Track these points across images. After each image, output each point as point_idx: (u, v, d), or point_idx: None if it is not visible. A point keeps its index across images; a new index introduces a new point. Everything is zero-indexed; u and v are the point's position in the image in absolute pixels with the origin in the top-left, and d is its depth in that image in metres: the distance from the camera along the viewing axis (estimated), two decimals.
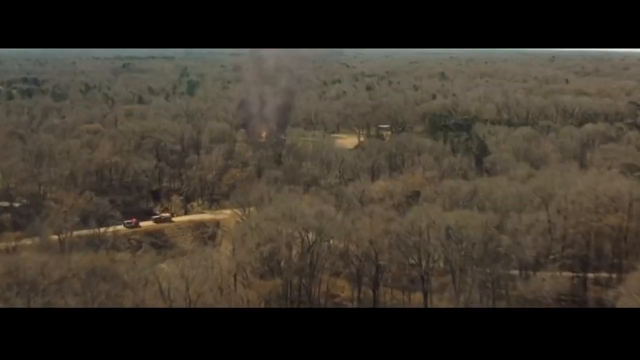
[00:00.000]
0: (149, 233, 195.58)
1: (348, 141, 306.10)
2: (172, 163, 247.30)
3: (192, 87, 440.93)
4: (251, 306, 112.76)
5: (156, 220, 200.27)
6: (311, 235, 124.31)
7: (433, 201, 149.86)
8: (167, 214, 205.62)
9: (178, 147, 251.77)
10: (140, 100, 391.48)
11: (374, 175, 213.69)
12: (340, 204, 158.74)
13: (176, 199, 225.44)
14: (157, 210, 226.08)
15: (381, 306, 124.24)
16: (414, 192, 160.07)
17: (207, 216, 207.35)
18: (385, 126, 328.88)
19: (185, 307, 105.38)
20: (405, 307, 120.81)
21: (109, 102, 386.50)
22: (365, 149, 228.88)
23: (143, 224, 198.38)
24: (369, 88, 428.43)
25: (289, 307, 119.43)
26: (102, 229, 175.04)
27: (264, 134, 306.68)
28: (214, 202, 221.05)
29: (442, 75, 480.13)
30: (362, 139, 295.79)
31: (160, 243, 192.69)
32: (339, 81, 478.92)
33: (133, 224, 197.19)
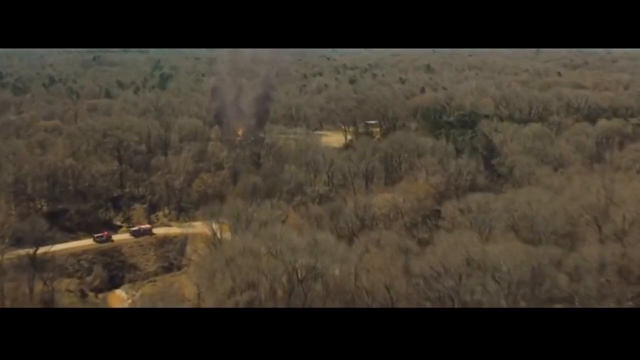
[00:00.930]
0: (103, 252, 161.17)
1: (333, 139, 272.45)
2: (136, 165, 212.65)
3: (164, 81, 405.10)
4: None
5: (135, 234, 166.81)
6: (302, 274, 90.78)
7: (459, 225, 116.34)
8: (148, 226, 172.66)
9: (143, 147, 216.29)
10: (108, 95, 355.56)
11: (367, 179, 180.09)
12: (336, 225, 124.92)
13: (139, 208, 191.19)
14: (117, 220, 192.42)
15: None
16: (433, 211, 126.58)
17: (173, 230, 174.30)
18: (372, 122, 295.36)
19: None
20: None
21: (73, 97, 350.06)
22: (357, 150, 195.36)
23: (118, 237, 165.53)
24: (352, 81, 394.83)
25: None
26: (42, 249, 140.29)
27: (240, 132, 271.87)
28: (182, 212, 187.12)
29: (428, 68, 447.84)
30: (349, 136, 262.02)
31: (116, 264, 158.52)
32: (320, 74, 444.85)
33: (104, 238, 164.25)
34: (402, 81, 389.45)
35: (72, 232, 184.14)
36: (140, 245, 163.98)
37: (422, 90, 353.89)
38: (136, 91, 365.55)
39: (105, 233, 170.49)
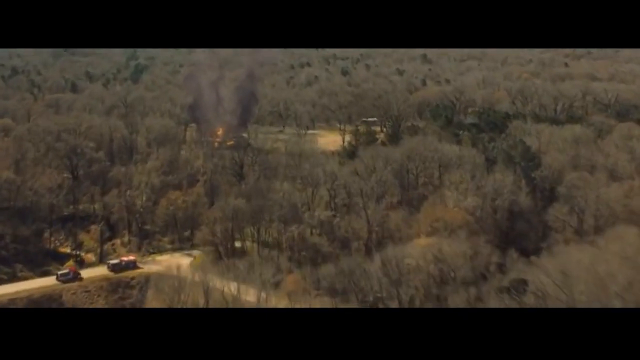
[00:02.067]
0: (35, 300, 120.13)
1: (328, 140, 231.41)
2: (94, 177, 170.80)
3: (138, 72, 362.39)
4: None
5: (115, 269, 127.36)
6: None
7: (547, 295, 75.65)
8: (131, 258, 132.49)
9: (101, 155, 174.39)
10: (74, 88, 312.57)
11: (378, 198, 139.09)
12: (357, 294, 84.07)
13: (95, 231, 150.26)
14: (67, 247, 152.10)
15: None
16: (518, 280, 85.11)
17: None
18: (371, 119, 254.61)
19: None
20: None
21: (35, 91, 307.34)
22: (363, 160, 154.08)
23: (96, 272, 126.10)
24: (345, 73, 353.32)
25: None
26: None
27: (220, 132, 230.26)
28: (145, 240, 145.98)
29: (425, 58, 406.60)
30: (347, 137, 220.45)
31: None
32: (308, 64, 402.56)
33: (71, 276, 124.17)
34: (400, 72, 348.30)
35: (7, 265, 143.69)
36: (87, 291, 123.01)
37: (424, 83, 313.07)
38: (106, 84, 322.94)
39: (73, 269, 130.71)
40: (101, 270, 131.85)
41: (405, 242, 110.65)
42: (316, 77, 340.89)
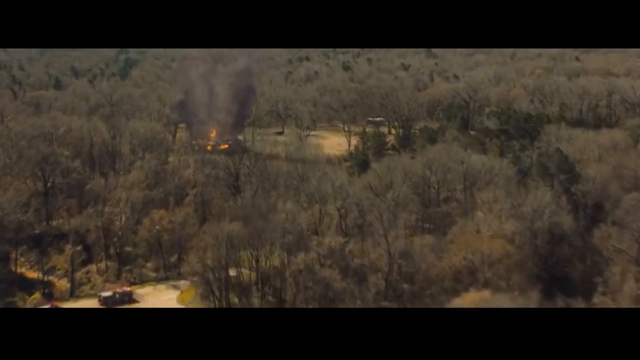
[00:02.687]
0: None
1: (332, 142, 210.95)
2: (69, 189, 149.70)
3: (127, 67, 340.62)
4: None
5: (107, 302, 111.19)
6: None
7: None
8: (126, 289, 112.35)
9: (78, 164, 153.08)
10: (57, 85, 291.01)
11: (395, 216, 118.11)
12: None
13: (68, 256, 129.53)
14: (37, 271, 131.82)
15: None
16: None
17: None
18: (377, 119, 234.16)
19: None
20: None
21: (16, 88, 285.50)
22: (379, 171, 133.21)
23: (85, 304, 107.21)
24: (346, 67, 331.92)
25: None
26: None
27: (213, 134, 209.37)
28: (125, 266, 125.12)
29: (429, 52, 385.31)
30: (353, 140, 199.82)
31: None
32: (307, 58, 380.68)
33: None
34: (405, 67, 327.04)
35: None
36: None
37: (431, 79, 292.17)
38: (92, 80, 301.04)
39: (55, 304, 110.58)
40: (90, 304, 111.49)
41: (451, 296, 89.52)
42: (316, 72, 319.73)
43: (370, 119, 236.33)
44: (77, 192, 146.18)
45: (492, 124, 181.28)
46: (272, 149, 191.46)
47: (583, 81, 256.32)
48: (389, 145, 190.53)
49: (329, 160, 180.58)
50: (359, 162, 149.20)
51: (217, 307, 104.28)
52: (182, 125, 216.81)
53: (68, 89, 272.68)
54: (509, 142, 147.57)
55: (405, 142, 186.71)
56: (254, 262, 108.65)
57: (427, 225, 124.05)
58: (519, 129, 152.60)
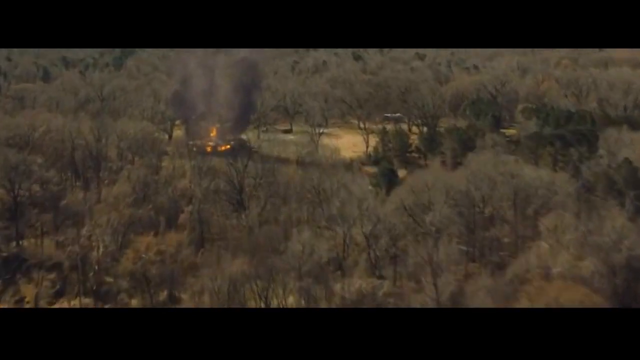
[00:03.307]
0: None
1: (347, 141, 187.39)
2: (44, 203, 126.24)
3: (122, 56, 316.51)
4: None
5: None
6: None
7: None
8: None
9: (52, 174, 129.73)
10: (46, 76, 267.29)
11: (437, 246, 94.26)
12: None
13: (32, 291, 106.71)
14: (3, 302, 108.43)
15: None
16: None
17: None
18: (396, 115, 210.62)
19: None
20: None
21: (1, 79, 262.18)
22: (412, 186, 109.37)
23: None
24: (357, 57, 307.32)
25: None
26: None
27: (213, 133, 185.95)
28: (105, 303, 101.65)
29: None
30: (371, 140, 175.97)
31: None
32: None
33: None
34: (421, 57, 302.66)
35: None
36: None
37: (449, 69, 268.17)
38: (83, 71, 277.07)
39: None
40: None
41: None
42: (324, 62, 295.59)
43: (387, 115, 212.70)
44: (53, 207, 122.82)
45: (531, 124, 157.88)
46: (281, 151, 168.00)
47: (614, 73, 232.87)
48: (413, 145, 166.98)
49: (347, 166, 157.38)
50: (385, 172, 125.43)
51: None
52: (182, 121, 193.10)
53: (56, 81, 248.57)
54: (565, 150, 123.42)
55: (432, 144, 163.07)
56: (262, 303, 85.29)
57: (474, 252, 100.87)
58: (575, 133, 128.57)
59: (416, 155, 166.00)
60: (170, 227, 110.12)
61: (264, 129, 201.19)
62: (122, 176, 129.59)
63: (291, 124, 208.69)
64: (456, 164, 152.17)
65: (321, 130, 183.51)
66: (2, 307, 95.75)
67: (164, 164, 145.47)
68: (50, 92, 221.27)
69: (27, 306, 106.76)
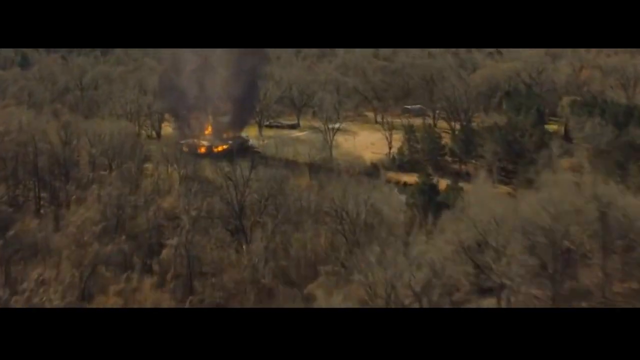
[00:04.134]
0: None
1: (364, 139, 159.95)
2: None
3: None
4: None
5: None
6: None
7: None
8: None
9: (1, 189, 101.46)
10: (24, 62, 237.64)
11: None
12: None
13: None
14: None
15: None
16: None
17: None
18: (416, 107, 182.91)
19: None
20: None
21: None
22: (469, 214, 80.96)
23: None
24: None
25: None
26: None
27: (208, 131, 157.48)
28: None
29: None
30: (394, 139, 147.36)
31: None
32: None
33: None
34: None
35: None
36: None
37: (469, 54, 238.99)
38: (66, 56, 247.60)
39: None
40: None
41: None
42: None
43: (406, 107, 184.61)
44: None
45: (587, 122, 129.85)
46: (288, 152, 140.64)
47: None
48: (446, 146, 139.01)
49: (367, 170, 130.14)
50: (424, 188, 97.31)
51: None
52: (172, 115, 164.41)
53: (32, 68, 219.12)
54: None
55: (469, 146, 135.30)
56: None
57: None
58: None
59: (449, 159, 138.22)
60: (146, 273, 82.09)
61: (267, 122, 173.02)
62: (90, 193, 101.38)
63: (298, 118, 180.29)
64: (503, 173, 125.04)
65: (336, 126, 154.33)
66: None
67: (147, 171, 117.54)
68: (25, 81, 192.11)
69: None
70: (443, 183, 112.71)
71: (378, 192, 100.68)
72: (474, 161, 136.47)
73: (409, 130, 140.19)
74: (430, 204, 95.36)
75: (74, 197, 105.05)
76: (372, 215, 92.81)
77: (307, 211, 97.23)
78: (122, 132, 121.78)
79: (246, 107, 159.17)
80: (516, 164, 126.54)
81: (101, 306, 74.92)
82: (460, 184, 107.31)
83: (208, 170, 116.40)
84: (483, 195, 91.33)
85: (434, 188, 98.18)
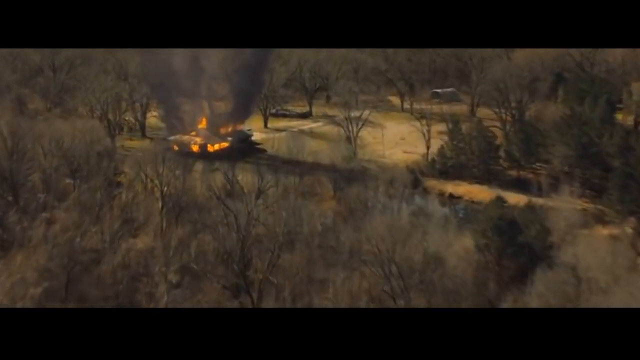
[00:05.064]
0: None
1: (392, 133, 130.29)
2: None
3: None
4: None
5: None
6: None
7: None
8: None
9: None
10: None
11: None
12: None
13: None
14: None
15: None
16: None
17: None
18: (448, 90, 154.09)
19: None
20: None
21: None
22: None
23: None
24: None
25: None
26: None
27: (203, 124, 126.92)
28: None
29: None
30: (426, 131, 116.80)
31: None
32: None
33: None
34: None
35: None
36: None
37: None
38: None
39: None
40: None
41: None
42: None
43: (436, 90, 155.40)
44: None
45: None
46: (301, 151, 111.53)
47: None
48: (503, 149, 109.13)
49: (403, 178, 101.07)
50: (500, 227, 67.93)
51: None
52: (158, 105, 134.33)
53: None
54: None
55: (529, 147, 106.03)
56: None
57: None
58: None
59: (505, 165, 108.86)
60: None
61: (274, 110, 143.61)
62: (38, 227, 72.35)
63: (310, 105, 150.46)
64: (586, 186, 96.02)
65: (357, 116, 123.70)
66: None
67: (119, 188, 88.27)
68: None
69: None
70: (509, 197, 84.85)
71: (436, 229, 72.09)
72: (534, 166, 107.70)
73: (454, 124, 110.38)
74: (512, 248, 66.38)
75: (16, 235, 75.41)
76: (431, 265, 64.39)
77: (337, 257, 68.29)
78: (87, 135, 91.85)
79: (248, 93, 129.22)
80: (592, 172, 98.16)
81: None
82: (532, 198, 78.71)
83: (200, 187, 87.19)
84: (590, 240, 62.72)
85: (514, 225, 68.79)
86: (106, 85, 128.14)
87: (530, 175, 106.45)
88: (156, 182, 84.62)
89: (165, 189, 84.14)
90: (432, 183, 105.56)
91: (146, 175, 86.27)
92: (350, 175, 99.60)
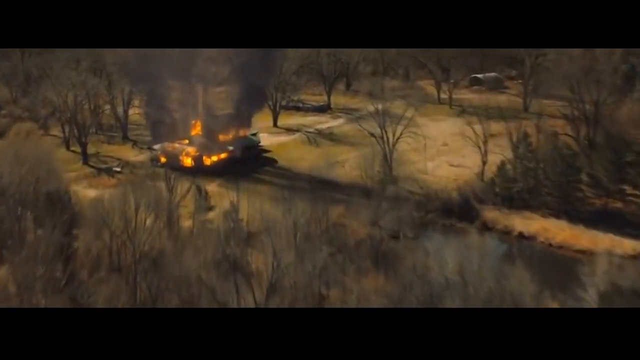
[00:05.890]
0: None
1: (432, 135, 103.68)
2: None
3: None
4: None
5: None
6: None
7: None
8: None
9: None
10: None
11: None
12: None
13: None
14: None
15: None
16: None
17: None
18: (490, 75, 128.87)
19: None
20: None
21: None
22: None
23: None
24: None
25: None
26: None
27: (197, 130, 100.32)
28: None
29: None
30: (483, 144, 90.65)
31: None
32: None
33: None
34: None
35: None
36: None
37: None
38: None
39: None
40: None
41: None
42: None
43: (476, 75, 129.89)
44: None
45: None
46: (322, 163, 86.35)
47: None
48: (583, 173, 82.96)
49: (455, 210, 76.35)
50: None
51: None
52: (142, 102, 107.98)
53: None
54: None
55: (617, 168, 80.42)
56: None
57: None
58: None
59: (587, 190, 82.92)
60: None
61: (285, 103, 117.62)
62: None
63: (329, 96, 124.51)
64: None
65: (386, 111, 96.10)
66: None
67: (73, 253, 62.67)
68: None
69: None
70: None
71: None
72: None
73: (522, 138, 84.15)
74: None
75: None
76: None
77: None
78: (35, 157, 66.07)
79: (255, 87, 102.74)
80: None
81: None
82: None
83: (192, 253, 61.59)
84: None
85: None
86: (88, 78, 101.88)
87: (619, 205, 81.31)
88: (130, 242, 59.04)
89: (143, 248, 59.04)
90: (493, 215, 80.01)
91: (118, 235, 60.40)
92: (390, 206, 74.01)
